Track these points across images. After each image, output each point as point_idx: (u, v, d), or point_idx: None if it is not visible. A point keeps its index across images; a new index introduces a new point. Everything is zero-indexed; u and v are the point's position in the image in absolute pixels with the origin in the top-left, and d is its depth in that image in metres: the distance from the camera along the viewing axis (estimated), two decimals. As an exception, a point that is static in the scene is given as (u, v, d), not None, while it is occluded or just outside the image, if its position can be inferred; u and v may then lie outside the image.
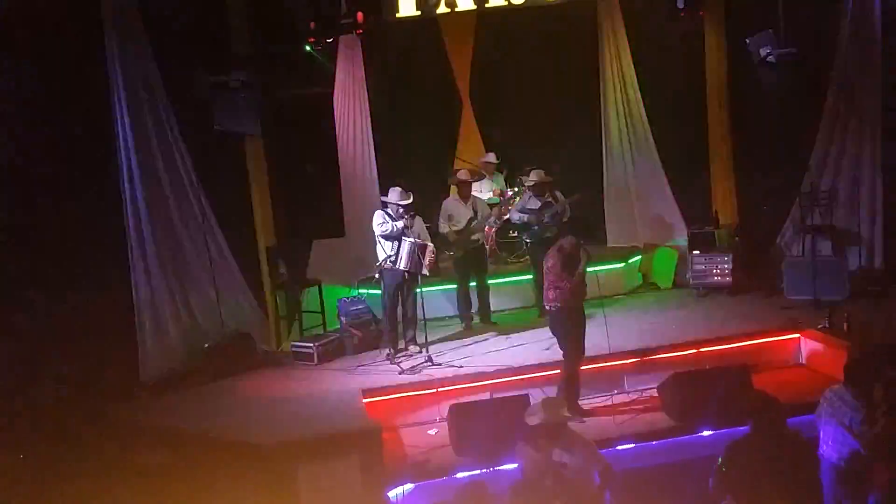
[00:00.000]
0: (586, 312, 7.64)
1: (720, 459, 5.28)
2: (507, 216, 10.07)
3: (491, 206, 9.93)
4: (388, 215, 8.66)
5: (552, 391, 7.67)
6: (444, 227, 9.44)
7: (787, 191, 10.02)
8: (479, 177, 10.71)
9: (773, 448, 5.24)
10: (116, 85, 8.09)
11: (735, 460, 5.27)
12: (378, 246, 8.63)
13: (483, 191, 10.78)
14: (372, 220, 8.70)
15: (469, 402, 7.46)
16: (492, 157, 11.02)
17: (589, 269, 7.58)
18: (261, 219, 9.43)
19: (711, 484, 5.27)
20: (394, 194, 8.72)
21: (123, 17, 8.05)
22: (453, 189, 10.33)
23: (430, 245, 8.64)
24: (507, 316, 9.85)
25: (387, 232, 8.55)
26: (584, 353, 7.54)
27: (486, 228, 9.76)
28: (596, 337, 7.73)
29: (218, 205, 9.03)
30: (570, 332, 7.44)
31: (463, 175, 9.62)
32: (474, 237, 9.43)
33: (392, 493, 6.67)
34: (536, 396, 7.59)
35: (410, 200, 8.71)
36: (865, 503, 5.68)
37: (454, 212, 9.48)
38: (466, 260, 9.45)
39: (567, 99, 11.29)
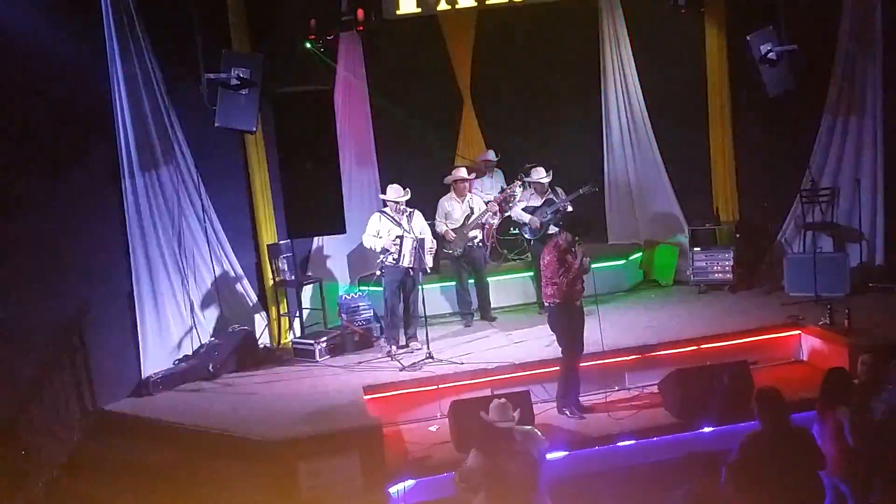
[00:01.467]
0: (585, 309, 7.64)
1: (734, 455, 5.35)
2: (507, 213, 10.07)
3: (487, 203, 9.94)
4: (388, 216, 8.66)
5: (553, 387, 7.70)
6: (440, 226, 9.45)
7: (788, 187, 10.03)
8: (477, 174, 10.71)
9: (781, 444, 5.29)
10: (116, 81, 8.08)
11: (747, 455, 5.32)
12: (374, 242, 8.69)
13: (485, 189, 10.77)
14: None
15: (470, 398, 7.45)
16: (491, 155, 11.02)
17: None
18: (262, 215, 9.44)
19: (723, 478, 5.33)
20: (391, 191, 8.75)
21: (123, 13, 8.05)
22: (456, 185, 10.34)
23: (428, 238, 8.65)
24: (507, 312, 9.86)
25: (371, 246, 8.62)
26: (582, 349, 7.54)
27: (486, 226, 9.74)
28: (595, 334, 7.74)
29: (218, 202, 9.04)
30: (567, 328, 7.44)
31: (460, 172, 9.62)
32: (471, 234, 9.43)
33: (393, 490, 6.69)
34: (537, 393, 7.64)
35: (408, 196, 8.73)
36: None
37: (451, 210, 9.49)
38: (465, 258, 9.46)
39: (568, 96, 11.28)
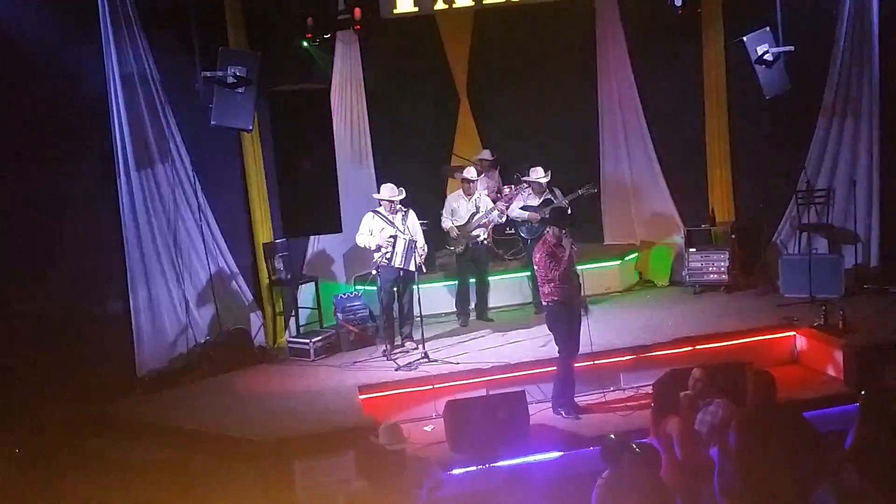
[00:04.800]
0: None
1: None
2: (507, 213, 10.08)
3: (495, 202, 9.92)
4: (381, 216, 8.66)
5: (548, 388, 7.70)
6: (446, 222, 9.46)
7: (784, 188, 10.04)
8: (483, 172, 10.71)
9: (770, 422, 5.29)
10: (113, 79, 8.07)
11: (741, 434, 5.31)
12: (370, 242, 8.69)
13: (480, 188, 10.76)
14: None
15: (465, 398, 7.46)
16: (487, 154, 11.02)
17: (584, 266, 7.56)
18: (258, 214, 9.43)
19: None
20: (385, 190, 8.74)
21: (119, 11, 8.03)
22: (454, 184, 10.33)
23: (420, 242, 8.65)
24: (503, 312, 9.85)
25: (365, 245, 8.62)
26: (578, 349, 7.55)
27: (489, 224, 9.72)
28: (595, 334, 7.73)
29: (215, 200, 9.03)
30: (566, 328, 7.43)
31: (468, 174, 9.58)
32: (475, 233, 9.44)
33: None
34: (532, 393, 7.64)
35: (403, 196, 8.72)
36: None
37: (457, 207, 9.49)
38: (468, 256, 9.46)
39: (564, 96, 11.28)
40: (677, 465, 5.81)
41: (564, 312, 7.42)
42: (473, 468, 6.82)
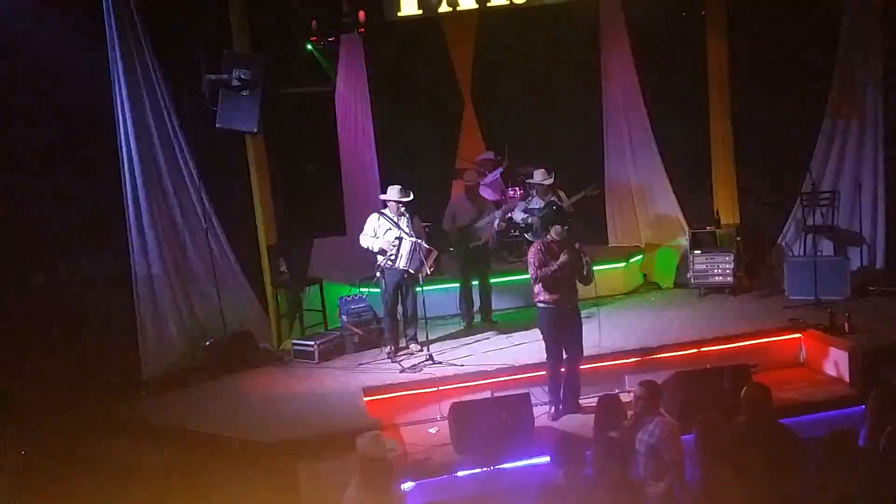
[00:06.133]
0: (585, 312, 7.60)
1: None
2: (510, 215, 10.08)
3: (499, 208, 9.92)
4: (386, 217, 8.66)
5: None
6: (447, 224, 9.46)
7: (789, 190, 10.03)
8: (487, 172, 10.72)
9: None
10: (117, 82, 8.09)
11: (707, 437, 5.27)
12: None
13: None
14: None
15: (470, 400, 7.44)
16: (490, 155, 11.02)
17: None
18: (262, 217, 9.44)
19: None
20: (393, 192, 8.73)
21: (124, 14, 8.06)
22: (458, 186, 10.34)
23: (434, 251, 8.63)
24: (508, 315, 9.85)
25: (368, 246, 8.60)
26: (581, 352, 7.51)
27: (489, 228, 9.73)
28: (594, 336, 7.71)
29: (219, 202, 9.05)
30: (549, 331, 7.37)
31: (469, 179, 9.57)
32: (475, 236, 9.42)
33: (392, 492, 6.67)
34: (537, 395, 7.63)
35: (410, 198, 8.72)
36: None
37: (460, 209, 9.49)
38: (468, 258, 9.45)
39: (568, 98, 11.28)
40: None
41: (550, 314, 7.33)
42: (478, 470, 6.81)
